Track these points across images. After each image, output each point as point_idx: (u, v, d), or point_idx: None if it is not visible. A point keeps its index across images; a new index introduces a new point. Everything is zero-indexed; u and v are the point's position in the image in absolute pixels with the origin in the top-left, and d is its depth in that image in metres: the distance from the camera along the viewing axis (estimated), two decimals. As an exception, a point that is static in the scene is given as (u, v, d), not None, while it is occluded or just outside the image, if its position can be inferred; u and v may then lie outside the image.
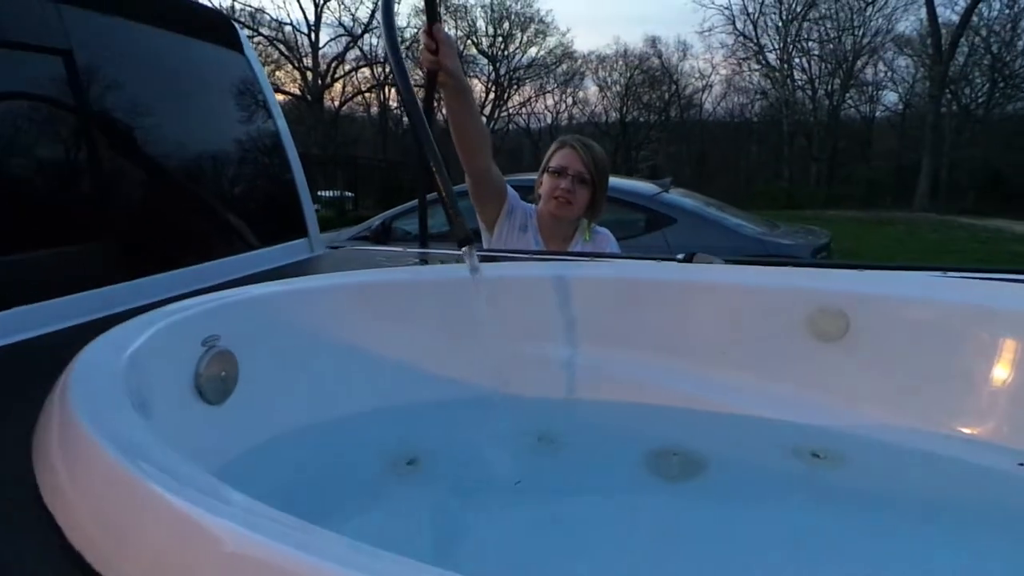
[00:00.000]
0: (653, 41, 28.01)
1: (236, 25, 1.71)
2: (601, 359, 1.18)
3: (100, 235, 1.21)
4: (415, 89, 1.23)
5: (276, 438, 0.96)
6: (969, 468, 0.95)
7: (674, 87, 28.03)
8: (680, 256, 1.43)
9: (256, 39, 22.05)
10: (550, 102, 28.79)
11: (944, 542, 0.86)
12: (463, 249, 1.05)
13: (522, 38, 27.09)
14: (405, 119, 25.09)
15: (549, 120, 28.67)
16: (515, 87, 27.90)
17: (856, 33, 24.41)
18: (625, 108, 28.34)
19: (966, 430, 0.98)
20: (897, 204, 18.39)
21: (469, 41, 26.18)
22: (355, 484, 0.97)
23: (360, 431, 1.06)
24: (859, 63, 24.83)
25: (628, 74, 28.20)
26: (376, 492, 0.97)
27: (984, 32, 21.26)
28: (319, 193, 16.00)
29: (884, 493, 0.97)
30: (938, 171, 20.56)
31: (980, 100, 22.61)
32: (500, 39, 27.00)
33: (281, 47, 23.90)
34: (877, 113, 26.25)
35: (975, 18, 20.71)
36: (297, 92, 24.26)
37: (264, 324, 1.02)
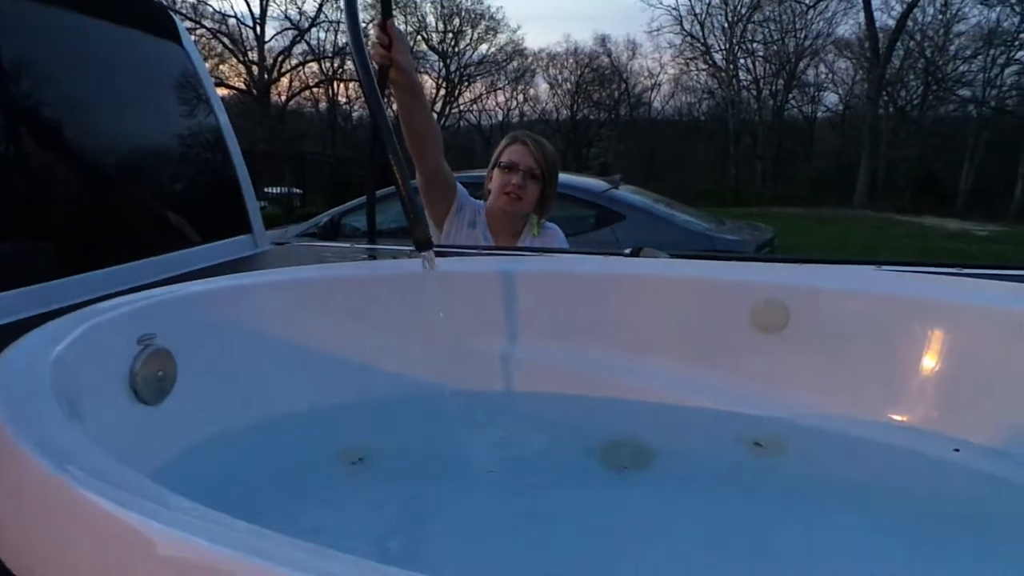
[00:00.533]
0: (603, 40, 28.30)
1: (174, 15, 1.65)
2: (550, 352, 1.18)
3: (29, 231, 1.15)
4: None
5: (217, 438, 0.93)
6: (908, 455, 0.98)
7: (624, 85, 28.38)
8: (627, 251, 1.45)
9: (199, 31, 21.46)
10: (501, 99, 28.85)
11: (885, 527, 0.89)
12: (423, 254, 1.04)
13: (473, 35, 27.06)
14: (354, 114, 24.82)
15: (500, 117, 28.73)
16: (466, 84, 27.85)
17: (798, 35, 25.17)
18: (575, 106, 28.57)
19: (904, 418, 1.02)
20: (840, 202, 18.98)
21: (419, 37, 26.00)
22: (302, 483, 0.95)
23: (306, 429, 1.04)
24: (801, 64, 25.58)
25: (578, 72, 28.44)
26: (324, 491, 0.95)
27: (918, 37, 22.15)
28: (266, 189, 15.67)
29: (825, 480, 0.99)
30: (876, 171, 21.34)
31: (915, 102, 23.54)
32: (451, 35, 26.90)
33: (225, 40, 23.32)
34: (819, 114, 27.11)
35: (910, 23, 21.56)
36: (242, 86, 23.72)
37: (204, 321, 0.99)
